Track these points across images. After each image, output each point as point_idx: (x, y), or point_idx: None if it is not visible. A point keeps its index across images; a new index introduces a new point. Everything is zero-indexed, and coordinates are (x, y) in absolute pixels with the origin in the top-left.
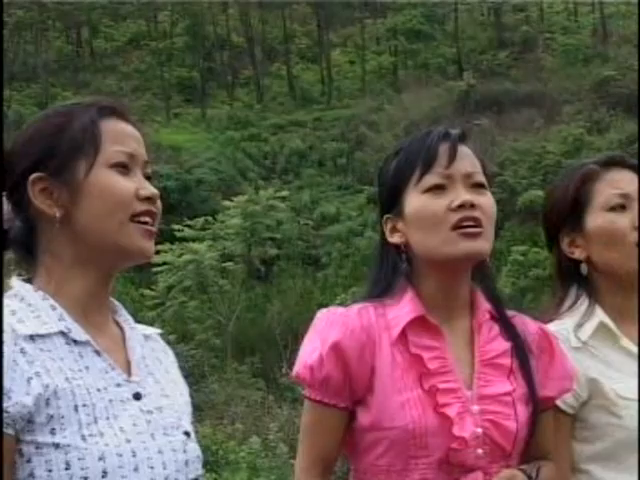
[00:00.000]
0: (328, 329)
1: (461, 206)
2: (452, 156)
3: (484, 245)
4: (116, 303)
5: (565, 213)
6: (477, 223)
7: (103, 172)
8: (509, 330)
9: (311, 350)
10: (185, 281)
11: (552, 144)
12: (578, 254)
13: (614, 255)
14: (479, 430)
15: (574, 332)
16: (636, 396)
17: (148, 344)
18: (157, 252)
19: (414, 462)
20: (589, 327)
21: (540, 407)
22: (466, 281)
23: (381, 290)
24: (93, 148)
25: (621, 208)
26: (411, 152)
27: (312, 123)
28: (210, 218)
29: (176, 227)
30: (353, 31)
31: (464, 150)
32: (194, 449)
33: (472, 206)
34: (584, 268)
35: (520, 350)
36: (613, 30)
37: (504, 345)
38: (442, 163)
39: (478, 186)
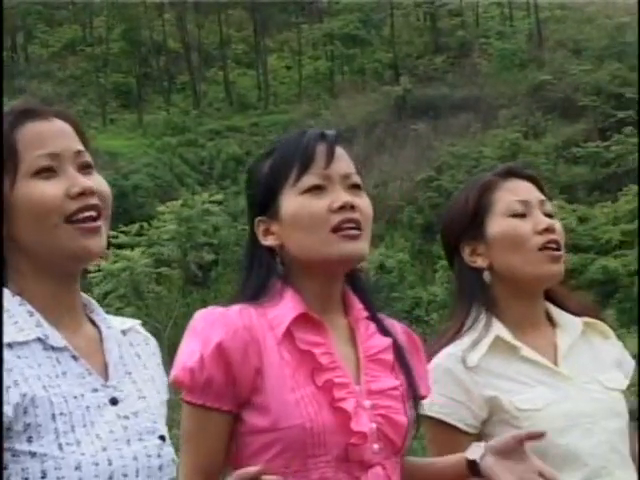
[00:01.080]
0: (209, 330)
1: (342, 207)
2: (330, 156)
3: (364, 247)
4: (92, 302)
5: (466, 223)
6: (357, 225)
7: (25, 183)
8: (383, 329)
9: (190, 352)
10: (120, 288)
11: (489, 148)
12: (480, 262)
13: (516, 260)
14: (374, 425)
15: (470, 351)
16: (538, 406)
17: (127, 339)
18: None
19: (312, 461)
20: (485, 344)
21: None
22: (341, 281)
23: (256, 292)
24: (11, 162)
25: (521, 215)
26: (287, 152)
27: (249, 128)
28: (145, 224)
29: (111, 234)
30: (289, 36)
31: (340, 151)
32: (169, 453)
33: (352, 208)
34: (487, 276)
35: (397, 347)
36: (548, 35)
37: (385, 341)
38: (320, 164)
39: (355, 187)
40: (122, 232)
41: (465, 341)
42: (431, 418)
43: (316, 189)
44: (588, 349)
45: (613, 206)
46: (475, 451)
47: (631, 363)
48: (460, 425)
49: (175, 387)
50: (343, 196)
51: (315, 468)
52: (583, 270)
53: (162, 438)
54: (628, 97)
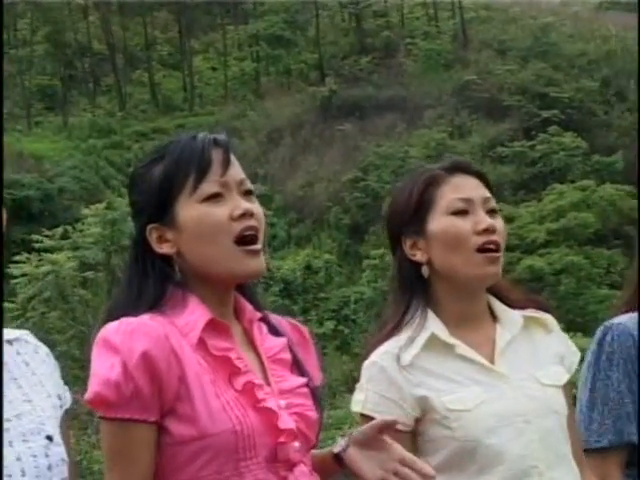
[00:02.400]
0: (129, 340)
1: (242, 215)
2: (226, 163)
3: (263, 263)
4: None
5: (408, 215)
6: (256, 233)
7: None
8: (274, 328)
9: (110, 366)
10: (45, 292)
11: (415, 148)
12: (419, 256)
13: (454, 259)
14: (294, 423)
15: (405, 349)
16: (468, 406)
17: (13, 348)
18: (15, 263)
19: (244, 464)
20: (419, 342)
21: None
22: (233, 291)
23: (155, 300)
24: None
25: (463, 213)
26: (180, 160)
27: (175, 130)
28: (70, 227)
29: (35, 237)
30: (215, 37)
31: (233, 157)
32: (58, 453)
33: (252, 215)
34: (425, 270)
35: (290, 345)
36: (473, 35)
37: (280, 341)
38: (217, 171)
39: (249, 193)
40: (46, 236)
41: (402, 338)
42: (365, 416)
43: (215, 197)
44: (528, 344)
45: (538, 205)
46: (339, 444)
47: (576, 355)
48: None
49: (93, 405)
50: (242, 203)
51: (247, 471)
52: (509, 269)
53: (49, 438)
54: (552, 96)
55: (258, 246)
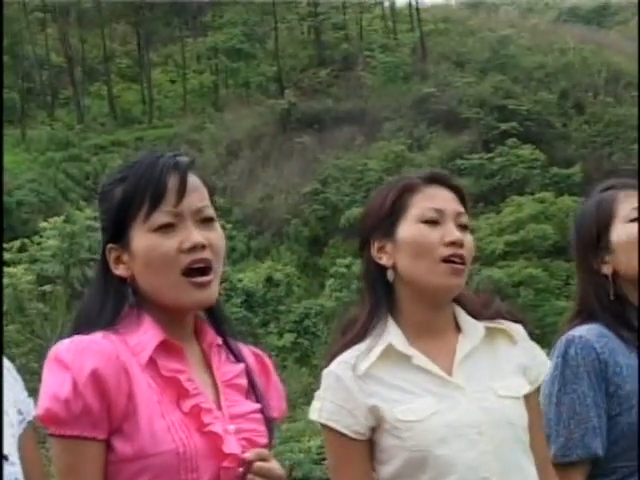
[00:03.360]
0: (80, 358)
1: (192, 248)
2: (182, 192)
3: (215, 293)
4: None
5: (380, 219)
6: (207, 265)
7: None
8: (234, 354)
9: (60, 383)
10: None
11: (373, 161)
12: (385, 260)
13: (418, 266)
14: (240, 448)
15: (362, 358)
16: (419, 417)
17: None
18: None
19: None
20: (376, 352)
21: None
22: (193, 313)
23: (111, 319)
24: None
25: (434, 223)
26: (138, 184)
27: (134, 143)
28: (28, 240)
29: None
30: (174, 50)
31: (193, 181)
32: (12, 473)
33: (203, 247)
34: (390, 274)
35: (248, 372)
36: (432, 48)
37: (238, 367)
38: (171, 200)
39: (207, 220)
40: (4, 249)
41: (361, 347)
42: (323, 425)
43: (166, 227)
44: (488, 355)
45: (497, 217)
46: None
47: (545, 365)
48: (347, 432)
49: (43, 422)
50: (193, 235)
51: None
52: (469, 281)
53: (5, 458)
54: (511, 109)
55: (206, 278)
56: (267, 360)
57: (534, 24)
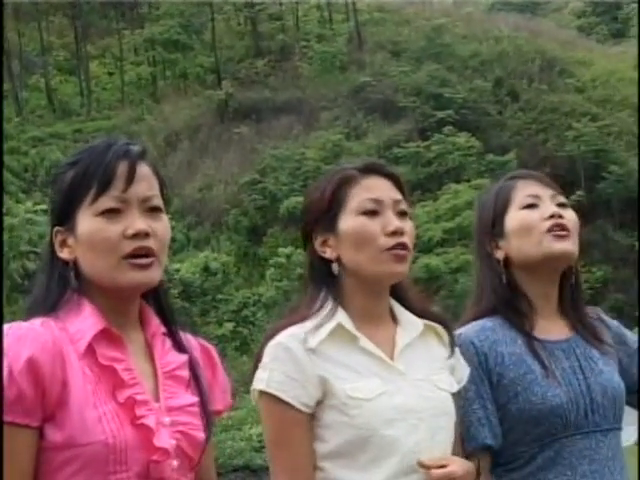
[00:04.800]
0: (17, 345)
1: (136, 235)
2: (130, 178)
3: (155, 275)
4: None
5: (320, 213)
6: (149, 252)
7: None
8: (179, 344)
9: None
10: None
11: (311, 150)
12: (329, 254)
13: (362, 258)
14: (173, 442)
15: (311, 333)
16: (368, 395)
17: None
18: None
19: (113, 478)
20: (326, 329)
21: (212, 420)
22: (136, 301)
23: (53, 304)
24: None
25: (373, 213)
26: (88, 168)
27: (72, 135)
28: None
29: None
30: (111, 42)
31: (143, 170)
32: None
33: (146, 235)
34: (335, 267)
35: (192, 363)
36: (368, 37)
37: (181, 358)
38: (119, 186)
39: (154, 210)
40: None
41: (308, 325)
42: (268, 394)
43: (112, 212)
44: (424, 350)
45: (434, 205)
46: None
47: (466, 369)
48: (294, 403)
49: None
50: (138, 223)
51: None
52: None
53: None
54: (447, 97)
55: (147, 260)
56: (214, 352)
57: (468, 13)
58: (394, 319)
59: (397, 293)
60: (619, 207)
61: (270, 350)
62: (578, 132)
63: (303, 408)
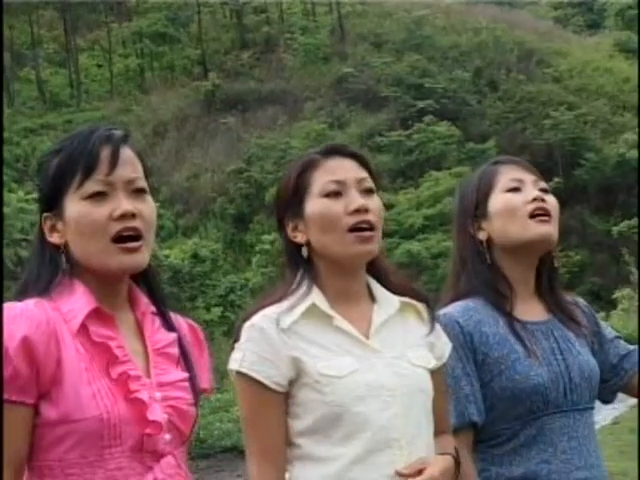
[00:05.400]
0: (12, 325)
1: (122, 216)
2: (114, 162)
3: (144, 258)
4: None
5: (288, 200)
6: (136, 234)
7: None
8: (168, 323)
9: None
10: None
11: (296, 139)
12: (300, 238)
13: (329, 239)
14: (165, 416)
15: (285, 314)
16: (341, 373)
17: None
18: None
19: (108, 452)
20: (300, 309)
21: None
22: (125, 282)
23: (45, 286)
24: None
25: (336, 195)
26: (72, 154)
27: (63, 126)
28: None
29: None
30: (100, 35)
31: (126, 153)
32: None
33: (133, 216)
34: (304, 251)
35: (181, 341)
36: (350, 29)
37: (170, 336)
38: (103, 169)
39: (140, 191)
40: None
41: (283, 304)
42: (242, 374)
43: (98, 195)
44: (401, 327)
45: (416, 192)
46: None
47: (447, 345)
48: (267, 382)
49: None
50: (124, 204)
51: (111, 458)
52: (389, 254)
53: None
54: (427, 87)
55: (136, 243)
56: (200, 332)
57: (448, 5)
58: (372, 298)
59: (375, 271)
60: (595, 193)
61: (245, 331)
62: (555, 120)
63: (276, 387)
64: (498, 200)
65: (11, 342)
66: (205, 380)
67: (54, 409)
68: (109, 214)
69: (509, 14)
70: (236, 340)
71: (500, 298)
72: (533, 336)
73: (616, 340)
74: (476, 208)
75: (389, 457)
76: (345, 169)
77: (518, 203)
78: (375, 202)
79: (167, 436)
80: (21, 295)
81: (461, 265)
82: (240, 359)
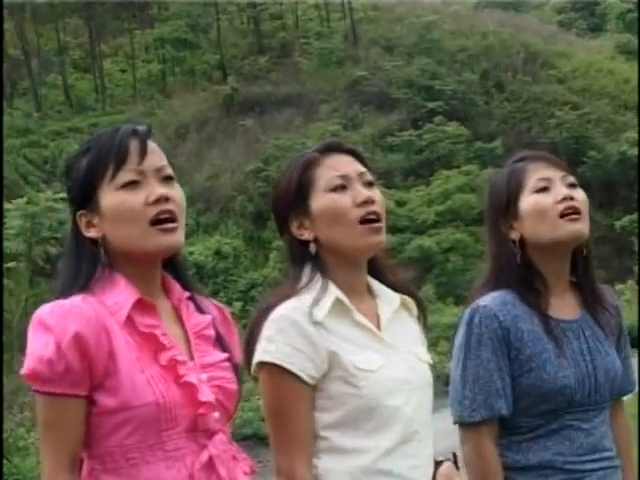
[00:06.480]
0: (63, 321)
1: (157, 200)
2: (143, 152)
3: (179, 239)
4: None
5: (291, 198)
6: (172, 216)
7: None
8: (200, 306)
9: (44, 345)
10: None
11: (311, 140)
12: (307, 235)
13: (338, 232)
14: (213, 396)
15: (313, 307)
16: (373, 367)
17: None
18: None
19: (166, 434)
20: (326, 303)
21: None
22: (159, 268)
23: (86, 281)
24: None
25: (342, 188)
26: (102, 150)
27: (88, 129)
28: None
29: None
30: (123, 41)
31: (152, 145)
32: None
33: (167, 199)
34: (312, 247)
35: (214, 322)
36: (362, 34)
37: (205, 318)
38: (134, 159)
39: (168, 179)
40: None
41: (306, 297)
42: (273, 366)
43: (132, 184)
44: (399, 323)
45: (427, 189)
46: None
47: (424, 342)
48: (302, 375)
49: (28, 380)
50: (157, 189)
51: (169, 440)
52: (401, 249)
53: None
54: (437, 89)
55: (173, 224)
56: (227, 312)
57: (456, 10)
58: (370, 293)
59: (372, 267)
60: (598, 189)
61: (273, 323)
62: (560, 120)
63: (309, 380)
64: (528, 201)
65: (63, 338)
66: (237, 356)
67: (112, 398)
68: (145, 199)
69: (515, 18)
70: (252, 333)
71: (535, 295)
72: (564, 335)
73: (626, 361)
74: (506, 208)
75: (413, 449)
76: (346, 164)
77: (547, 204)
78: (377, 194)
79: (216, 414)
80: (63, 294)
81: (496, 262)
82: (273, 351)
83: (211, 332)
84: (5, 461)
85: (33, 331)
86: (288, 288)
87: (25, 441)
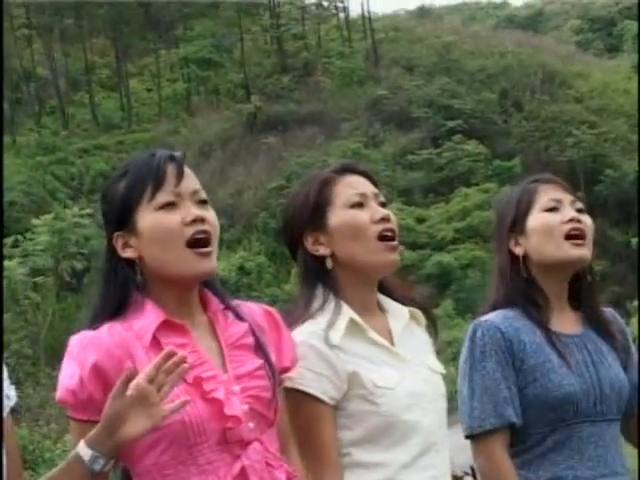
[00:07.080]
0: (84, 353)
1: (193, 221)
2: (180, 175)
3: (214, 265)
4: None
5: (307, 215)
6: (208, 236)
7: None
8: (239, 315)
9: (70, 375)
10: None
11: (333, 158)
12: (322, 251)
13: (356, 248)
14: (245, 407)
15: (329, 330)
16: (391, 384)
17: None
18: None
19: (197, 449)
20: (340, 325)
21: (280, 378)
22: (196, 288)
23: (117, 306)
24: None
25: (360, 205)
26: (140, 172)
27: (114, 146)
28: (20, 236)
29: None
30: (149, 61)
31: (187, 170)
32: None
33: (202, 220)
34: (329, 262)
35: (253, 328)
36: (383, 54)
37: (243, 326)
38: (171, 182)
39: (203, 202)
40: None
41: (320, 321)
42: (297, 391)
43: (169, 205)
44: (410, 336)
45: (446, 207)
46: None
47: (434, 351)
48: (324, 397)
49: (62, 406)
50: (194, 210)
51: (200, 454)
52: (420, 266)
53: None
54: (456, 108)
55: (209, 249)
56: (276, 314)
57: (475, 31)
58: (380, 308)
59: (380, 283)
60: (615, 207)
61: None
62: (577, 139)
63: (330, 401)
64: (536, 218)
65: (83, 369)
66: (287, 359)
67: None
68: (182, 220)
69: (533, 39)
70: None
71: (537, 310)
72: (567, 347)
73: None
74: (514, 224)
75: (430, 460)
76: (362, 184)
77: (555, 222)
78: (391, 214)
79: (250, 424)
80: (93, 321)
81: (500, 277)
82: (295, 377)
83: (249, 340)
84: (32, 472)
85: (65, 359)
86: (302, 309)
87: (52, 453)
